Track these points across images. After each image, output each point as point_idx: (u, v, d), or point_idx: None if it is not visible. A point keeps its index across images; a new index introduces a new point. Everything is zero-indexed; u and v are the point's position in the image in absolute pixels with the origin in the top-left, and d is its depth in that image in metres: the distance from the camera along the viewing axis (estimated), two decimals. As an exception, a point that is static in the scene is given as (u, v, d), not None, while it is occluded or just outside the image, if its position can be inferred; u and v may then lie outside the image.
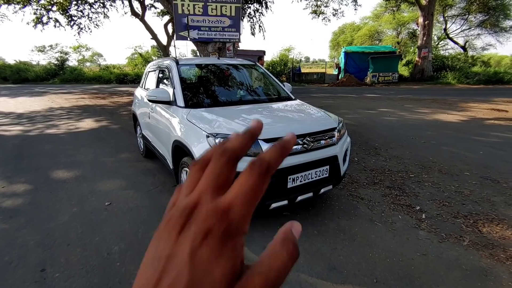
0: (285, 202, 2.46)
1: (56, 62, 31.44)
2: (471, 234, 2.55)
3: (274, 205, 2.42)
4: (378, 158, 4.70)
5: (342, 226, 2.69)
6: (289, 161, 2.37)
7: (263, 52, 23.20)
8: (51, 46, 32.88)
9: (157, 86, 3.71)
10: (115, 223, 2.79)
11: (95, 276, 2.08)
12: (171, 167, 3.10)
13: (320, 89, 19.47)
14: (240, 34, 8.34)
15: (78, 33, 22.01)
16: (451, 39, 29.62)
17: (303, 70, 31.56)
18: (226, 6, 7.85)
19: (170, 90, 3.16)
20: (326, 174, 2.64)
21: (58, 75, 29.97)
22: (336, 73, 25.54)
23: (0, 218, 2.93)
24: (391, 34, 35.05)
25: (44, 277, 2.08)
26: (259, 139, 2.32)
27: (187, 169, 2.61)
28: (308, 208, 3.02)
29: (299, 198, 2.52)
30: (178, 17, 7.74)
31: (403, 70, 23.68)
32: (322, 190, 2.67)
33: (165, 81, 3.54)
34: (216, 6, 7.78)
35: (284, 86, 3.83)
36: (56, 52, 32.78)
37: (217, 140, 2.31)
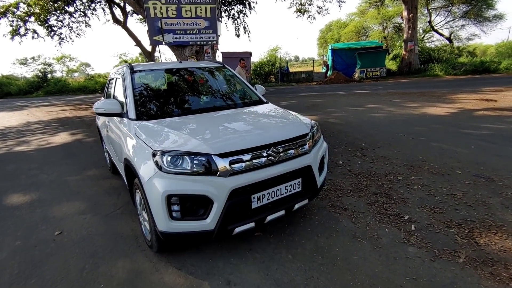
0: (252, 225, 2.10)
1: (39, 74, 30.68)
2: (467, 248, 2.23)
3: (238, 230, 2.07)
4: (364, 159, 4.38)
5: (321, 246, 2.34)
6: (251, 177, 2.02)
7: (249, 54, 22.92)
8: (33, 58, 32.16)
9: (113, 95, 3.33)
10: (60, 258, 2.40)
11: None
12: (127, 187, 2.74)
13: (308, 88, 19.21)
14: (218, 36, 7.99)
15: (59, 44, 21.47)
16: (436, 31, 29.72)
17: (291, 70, 31.34)
18: (200, 7, 7.49)
19: (124, 101, 2.79)
20: (299, 188, 2.29)
21: (42, 87, 29.28)
22: (324, 71, 25.37)
23: None
24: (377, 29, 35.09)
25: None
26: (213, 155, 1.96)
27: (139, 192, 2.24)
28: (284, 225, 2.68)
29: (269, 218, 2.17)
30: (151, 20, 7.36)
31: (391, 65, 23.58)
32: (296, 206, 2.32)
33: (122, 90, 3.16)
34: (190, 7, 7.42)
35: (256, 89, 3.48)
36: (39, 64, 32.03)
37: (164, 158, 1.95)
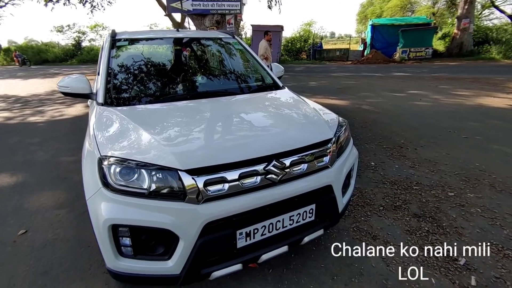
0: (237, 267, 1.47)
1: (74, 43, 31.38)
2: None
3: (217, 274, 1.45)
4: (403, 162, 3.54)
5: (337, 298, 1.68)
6: (237, 205, 1.36)
7: (281, 28, 21.48)
8: (68, 26, 32.59)
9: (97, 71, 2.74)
10: (9, 271, 1.95)
11: None
12: None
13: (342, 67, 17.74)
14: (242, 4, 7.07)
15: (91, 11, 21.49)
16: (497, 7, 25.88)
17: (325, 46, 29.33)
18: (224, -31, 6.58)
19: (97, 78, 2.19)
20: (311, 217, 1.60)
21: (76, 55, 29.99)
22: (362, 49, 23.34)
23: None
24: (425, 4, 31.47)
25: None
26: (180, 170, 1.31)
27: None
28: (288, 255, 2.02)
29: (264, 257, 1.52)
30: (169, -15, 6.60)
31: (438, 45, 21.07)
32: (306, 239, 1.65)
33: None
34: (212, -30, 6.53)
35: (270, 69, 2.72)
36: (73, 32, 32.55)
37: (112, 170, 1.33)
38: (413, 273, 1.84)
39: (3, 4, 32.82)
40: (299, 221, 1.57)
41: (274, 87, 2.53)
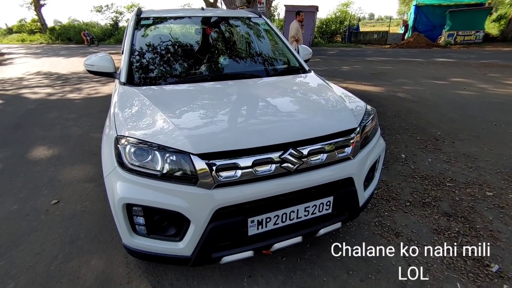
0: (249, 254, 1.45)
1: (111, 22, 32.45)
2: None
3: (228, 259, 1.44)
4: (437, 156, 3.29)
5: (350, 294, 1.61)
6: (249, 193, 1.32)
7: (316, 8, 20.53)
8: (107, 6, 33.74)
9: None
10: (41, 238, 2.11)
11: None
12: None
13: (378, 51, 16.73)
14: (275, -18, 6.80)
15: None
16: None
17: (363, 29, 27.72)
18: None
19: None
20: (327, 209, 1.53)
21: (113, 35, 31.01)
22: (402, 32, 21.73)
23: None
24: (481, -19, 28.24)
25: None
26: (192, 154, 1.28)
27: None
28: (304, 244, 1.98)
29: (277, 246, 1.49)
30: (201, -38, 6.48)
31: (491, 28, 19.06)
32: (321, 232, 1.59)
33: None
34: None
35: (297, 51, 2.58)
36: (111, 12, 33.64)
37: (127, 150, 1.34)
38: (436, 275, 1.72)
39: (49, -16, 34.50)
40: (315, 213, 1.50)
41: (301, 70, 2.40)
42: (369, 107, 1.85)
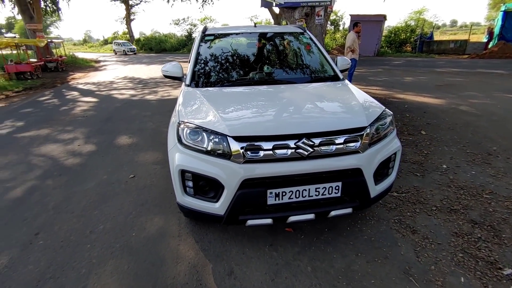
0: (268, 221, 1.84)
1: (186, 34, 35.96)
2: None
3: (251, 223, 1.85)
4: (484, 169, 3.20)
5: (354, 270, 1.86)
6: (269, 170, 1.71)
7: (383, 17, 19.85)
8: (183, 19, 37.59)
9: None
10: (122, 199, 2.80)
11: (63, 254, 2.09)
12: None
13: (452, 61, 15.40)
14: (334, -4, 7.06)
15: (202, 6, 24.40)
16: None
17: (440, 37, 25.61)
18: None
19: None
20: (336, 193, 1.83)
21: (187, 45, 34.26)
22: (486, 40, 19.50)
23: (54, 174, 3.42)
24: None
25: (31, 242, 2.24)
26: (229, 136, 1.74)
27: None
28: (323, 228, 2.27)
29: (292, 219, 1.84)
30: (263, -20, 7.11)
31: None
32: (332, 213, 1.88)
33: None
34: (305, -38, 6.72)
35: (335, 62, 2.89)
36: (187, 25, 37.33)
37: (184, 131, 1.86)
38: (441, 268, 1.86)
39: (138, 2, 39.97)
40: (325, 194, 1.81)
41: (334, 79, 2.71)
42: (386, 111, 2.09)
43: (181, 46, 34.63)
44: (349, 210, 1.92)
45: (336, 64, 2.87)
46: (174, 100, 7.71)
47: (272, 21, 20.62)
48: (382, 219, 2.38)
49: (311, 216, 1.86)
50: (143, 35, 47.61)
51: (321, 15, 7.40)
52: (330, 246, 2.08)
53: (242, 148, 1.70)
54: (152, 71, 15.12)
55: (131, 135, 4.75)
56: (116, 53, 33.73)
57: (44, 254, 2.10)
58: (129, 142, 4.43)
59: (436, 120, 5.05)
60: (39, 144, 4.48)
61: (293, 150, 1.72)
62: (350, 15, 20.49)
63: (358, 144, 1.80)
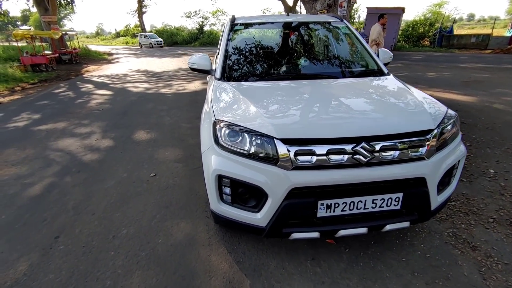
0: (315, 235, 1.61)
1: (197, 27, 35.68)
2: None
3: (296, 236, 1.63)
4: (537, 175, 2.89)
5: (413, 293, 1.63)
6: (322, 178, 1.48)
7: (402, 10, 19.15)
8: (195, 12, 37.28)
9: (218, 51, 3.20)
10: (144, 200, 2.62)
11: (86, 261, 1.92)
12: None
13: (476, 57, 14.74)
14: (359, -15, 6.68)
15: (214, -2, 23.82)
16: None
17: (458, 31, 24.62)
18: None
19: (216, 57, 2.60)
20: (396, 205, 1.59)
21: (198, 38, 34.03)
22: (510, 34, 18.61)
23: (72, 171, 3.28)
24: None
25: (51, 246, 2.08)
26: (276, 138, 1.51)
27: None
28: (368, 240, 2.04)
29: (342, 233, 1.61)
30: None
31: None
32: (388, 228, 1.65)
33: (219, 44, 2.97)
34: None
35: (377, 55, 2.61)
36: (198, 18, 37.02)
37: (222, 131, 1.64)
38: (516, 294, 1.61)
39: (149, -6, 39.82)
40: (382, 207, 1.58)
41: (379, 73, 2.45)
42: (450, 111, 1.82)
43: (193, 39, 34.40)
44: (406, 224, 1.68)
45: (378, 58, 2.60)
46: (190, 94, 7.58)
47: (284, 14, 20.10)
48: (433, 231, 2.13)
49: (363, 230, 1.63)
50: (155, 28, 47.61)
51: (344, 6, 7.04)
52: (380, 263, 1.85)
53: (291, 152, 1.47)
54: (164, 64, 14.98)
55: (149, 130, 4.58)
56: (141, 46, 32.36)
57: (66, 261, 1.93)
58: (147, 137, 4.26)
59: (472, 119, 4.71)
60: (56, 138, 4.36)
61: (350, 156, 1.48)
62: (367, 7, 19.84)
63: (424, 149, 1.55)
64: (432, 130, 1.59)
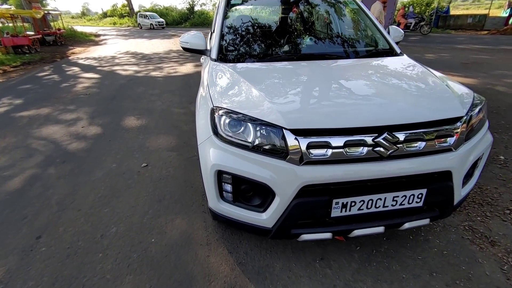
0: (327, 235, 1.44)
1: (188, 7, 34.33)
2: None
3: (306, 237, 1.46)
4: (549, 162, 2.77)
5: (433, 296, 1.50)
6: (338, 173, 1.29)
7: (400, -12, 18.56)
8: (185, -10, 35.72)
9: (212, 29, 2.91)
10: (135, 194, 2.42)
11: (70, 265, 1.73)
12: None
13: (473, 37, 14.50)
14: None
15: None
16: None
17: (454, 12, 24.19)
18: None
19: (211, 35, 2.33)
20: (418, 202, 1.42)
21: (189, 19, 32.81)
22: (507, 15, 18.32)
23: (57, 161, 3.03)
24: None
25: (31, 248, 1.88)
26: (285, 129, 1.30)
27: None
28: (379, 236, 1.88)
29: (357, 232, 1.44)
30: None
31: None
32: (406, 225, 1.49)
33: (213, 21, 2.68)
34: None
35: (388, 33, 2.38)
36: (189, -4, 35.49)
37: (222, 120, 1.42)
38: (544, 296, 1.48)
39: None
40: (403, 204, 1.40)
41: (391, 53, 2.22)
42: (477, 95, 1.63)
43: (183, 20, 33.13)
44: (426, 221, 1.52)
45: (389, 36, 2.36)
46: (182, 77, 7.22)
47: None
48: (448, 225, 1.99)
49: (380, 229, 1.47)
50: (143, 8, 45.73)
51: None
52: (395, 262, 1.70)
53: (303, 144, 1.26)
54: (154, 46, 14.37)
55: (139, 116, 4.31)
56: (141, 27, 29.47)
57: (48, 265, 1.74)
58: (137, 124, 4.00)
59: (475, 103, 4.55)
60: (40, 125, 4.07)
61: (371, 148, 1.29)
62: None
63: (452, 139, 1.36)
64: (462, 117, 1.39)
